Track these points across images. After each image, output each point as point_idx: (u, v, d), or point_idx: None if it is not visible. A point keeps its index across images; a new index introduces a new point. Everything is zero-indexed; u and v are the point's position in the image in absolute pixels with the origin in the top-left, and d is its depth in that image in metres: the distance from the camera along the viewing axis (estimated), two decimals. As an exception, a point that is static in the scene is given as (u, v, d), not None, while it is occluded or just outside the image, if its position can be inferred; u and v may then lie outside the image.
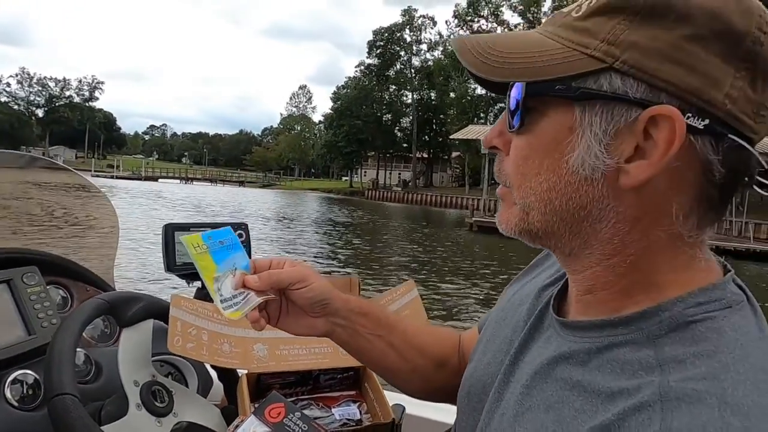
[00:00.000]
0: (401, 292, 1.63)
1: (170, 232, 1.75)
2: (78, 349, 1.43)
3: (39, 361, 1.36)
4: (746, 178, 0.69)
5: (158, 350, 1.49)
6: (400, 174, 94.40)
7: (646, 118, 0.65)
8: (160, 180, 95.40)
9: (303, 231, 27.67)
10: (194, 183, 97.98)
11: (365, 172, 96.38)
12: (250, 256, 1.27)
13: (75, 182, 2.36)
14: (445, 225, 41.16)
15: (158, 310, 1.44)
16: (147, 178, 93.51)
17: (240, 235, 1.59)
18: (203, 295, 1.70)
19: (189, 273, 1.76)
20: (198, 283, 1.80)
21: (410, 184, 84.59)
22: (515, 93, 0.73)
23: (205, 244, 1.00)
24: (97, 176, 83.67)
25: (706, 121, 0.64)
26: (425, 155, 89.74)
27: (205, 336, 1.44)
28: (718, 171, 0.66)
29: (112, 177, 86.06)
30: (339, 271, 16.77)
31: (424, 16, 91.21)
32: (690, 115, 0.64)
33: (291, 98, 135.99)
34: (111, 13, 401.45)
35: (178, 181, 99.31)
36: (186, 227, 1.74)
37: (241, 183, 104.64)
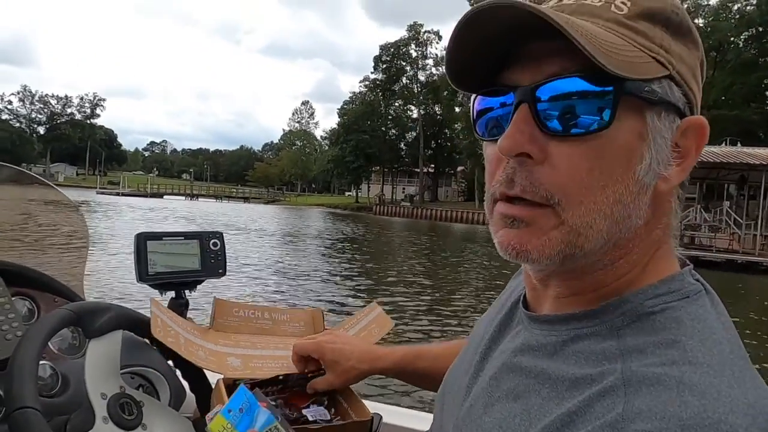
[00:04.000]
0: (365, 313, 1.69)
1: (142, 241, 1.66)
2: (44, 362, 1.44)
3: (2, 375, 1.25)
4: None
5: (130, 362, 1.47)
6: (404, 189, 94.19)
7: (684, 128, 0.70)
8: (165, 197, 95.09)
9: (329, 253, 26.84)
10: (199, 199, 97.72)
11: (369, 187, 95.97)
12: (225, 271, 1.79)
13: (45, 193, 2.28)
14: (474, 240, 40.33)
15: (128, 321, 1.39)
16: (152, 195, 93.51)
17: (215, 244, 1.76)
18: (177, 305, 1.72)
19: (162, 283, 1.70)
20: (171, 293, 1.75)
21: (416, 198, 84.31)
22: (568, 87, 0.66)
23: (229, 423, 1.02)
24: (102, 193, 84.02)
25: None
26: (430, 170, 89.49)
27: (182, 340, 1.43)
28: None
29: (117, 194, 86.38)
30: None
31: (429, 31, 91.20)
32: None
33: (293, 114, 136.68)
34: (112, 32, 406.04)
35: (184, 197, 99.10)
36: (159, 236, 1.70)
37: (246, 199, 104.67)
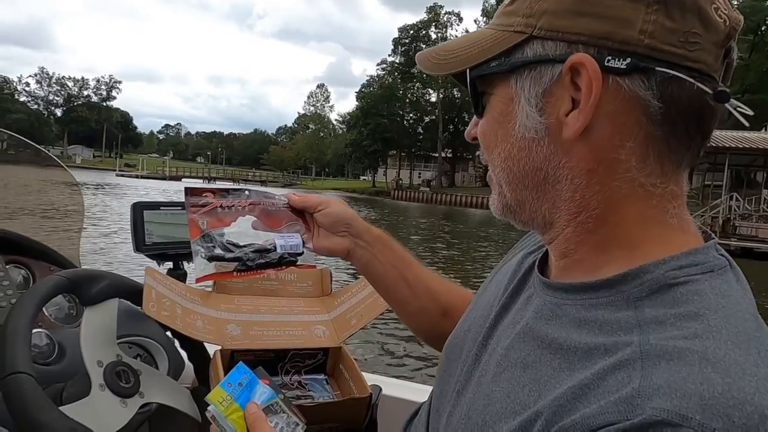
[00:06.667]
0: (361, 286, 1.66)
1: (139, 210, 1.67)
2: (40, 330, 1.45)
3: None
4: (696, 109, 0.69)
5: (127, 331, 1.48)
6: (420, 173, 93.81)
7: (567, 71, 0.69)
8: (183, 180, 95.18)
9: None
10: (217, 182, 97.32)
11: (386, 171, 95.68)
12: None
13: (42, 165, 2.33)
14: (493, 224, 39.89)
15: (124, 289, 1.39)
16: (171, 178, 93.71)
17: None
18: (175, 275, 1.70)
19: (159, 253, 1.72)
20: (169, 264, 1.77)
21: (433, 183, 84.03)
22: (469, 83, 0.80)
23: (228, 395, 1.01)
24: (121, 175, 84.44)
25: (627, 60, 0.66)
26: (448, 154, 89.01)
27: (179, 309, 1.40)
28: (656, 106, 0.67)
29: (136, 177, 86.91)
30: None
31: (449, 13, 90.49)
32: (609, 58, 0.66)
33: (309, 97, 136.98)
34: (127, 15, 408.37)
35: (201, 180, 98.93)
36: (156, 206, 1.71)
37: (263, 182, 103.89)
